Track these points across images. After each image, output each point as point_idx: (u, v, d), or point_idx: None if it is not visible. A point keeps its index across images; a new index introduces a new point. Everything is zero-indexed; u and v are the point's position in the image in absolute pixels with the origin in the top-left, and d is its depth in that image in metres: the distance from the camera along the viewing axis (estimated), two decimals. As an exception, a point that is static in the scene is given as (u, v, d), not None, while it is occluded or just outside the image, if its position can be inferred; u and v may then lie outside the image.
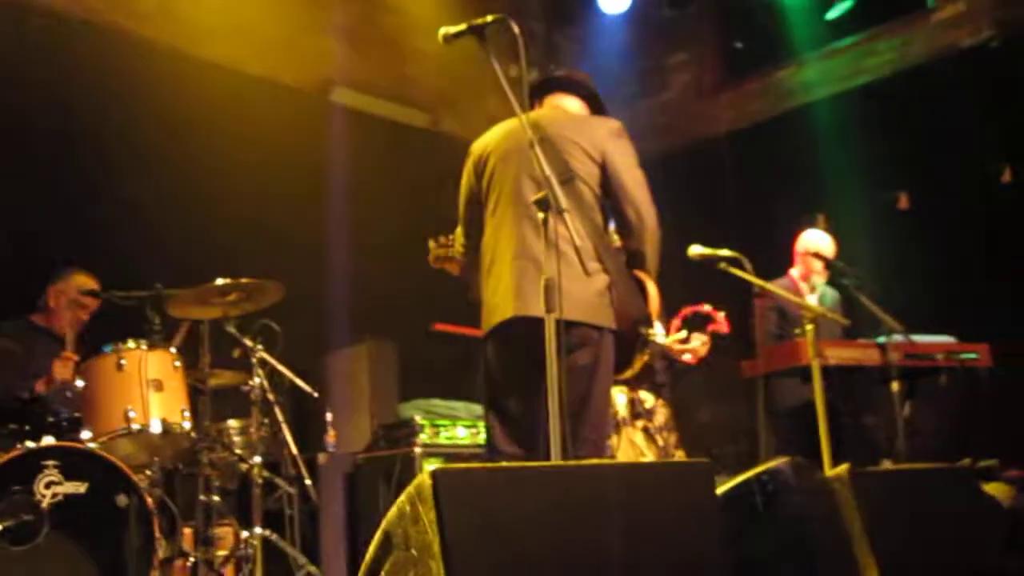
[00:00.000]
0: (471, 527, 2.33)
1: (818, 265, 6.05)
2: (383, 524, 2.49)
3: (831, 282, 6.16)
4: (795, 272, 6.14)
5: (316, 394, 5.10)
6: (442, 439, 5.98)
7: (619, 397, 4.71)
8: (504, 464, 2.96)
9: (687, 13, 8.25)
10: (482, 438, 6.10)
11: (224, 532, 4.95)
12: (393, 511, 2.45)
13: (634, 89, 8.55)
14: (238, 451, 4.92)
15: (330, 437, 5.71)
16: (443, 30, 3.68)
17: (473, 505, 2.36)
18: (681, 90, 8.55)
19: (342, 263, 6.60)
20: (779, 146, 7.60)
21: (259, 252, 6.07)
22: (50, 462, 4.00)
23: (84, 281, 5.34)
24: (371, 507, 5.98)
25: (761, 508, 2.96)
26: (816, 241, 6.13)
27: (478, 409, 6.22)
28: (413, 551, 2.38)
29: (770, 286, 5.14)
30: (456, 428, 6.08)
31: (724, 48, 8.36)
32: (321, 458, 5.85)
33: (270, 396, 4.90)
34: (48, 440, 4.16)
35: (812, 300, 5.89)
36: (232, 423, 5.03)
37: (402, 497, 2.43)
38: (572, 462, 2.84)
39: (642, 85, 8.62)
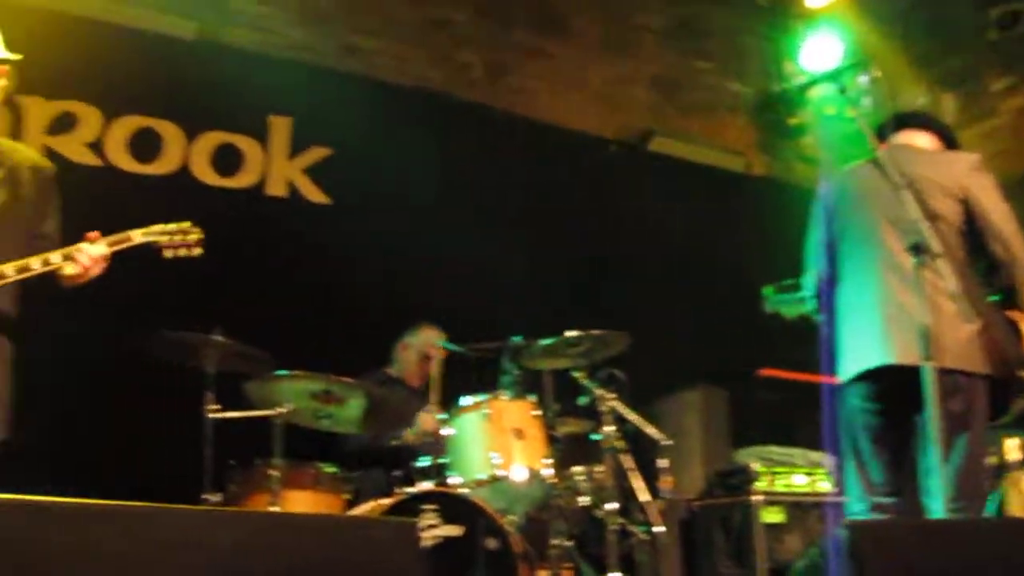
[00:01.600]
0: (891, 581, 2.34)
1: None
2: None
3: None
4: None
5: (670, 441, 5.15)
6: (779, 486, 5.89)
7: (1008, 442, 4.50)
8: (923, 519, 2.91)
9: (1016, 33, 7.79)
10: (820, 486, 6.00)
11: (570, 576, 5.10)
12: (802, 563, 2.50)
13: (957, 118, 8.16)
14: (588, 498, 5.03)
15: (665, 483, 5.70)
16: (801, 77, 3.70)
17: (891, 558, 2.38)
18: (1013, 116, 8.08)
19: (670, 310, 6.69)
20: None
21: (587, 302, 6.33)
22: (429, 506, 4.30)
23: (433, 335, 5.71)
24: (707, 554, 5.98)
25: None
26: None
27: (815, 456, 6.10)
28: (828, 603, 2.41)
29: None
30: (793, 476, 5.98)
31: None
32: (657, 504, 5.87)
33: (618, 444, 4.98)
34: (426, 485, 4.49)
35: None
36: (577, 469, 5.13)
37: (813, 549, 2.47)
38: (991, 517, 2.76)
39: (966, 113, 8.21)
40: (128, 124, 5.78)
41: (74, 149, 5.46)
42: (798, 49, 7.03)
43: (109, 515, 1.88)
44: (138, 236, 3.42)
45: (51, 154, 5.16)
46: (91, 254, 3.34)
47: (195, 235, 3.53)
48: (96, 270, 3.36)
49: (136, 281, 5.29)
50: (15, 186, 3.39)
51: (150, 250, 3.60)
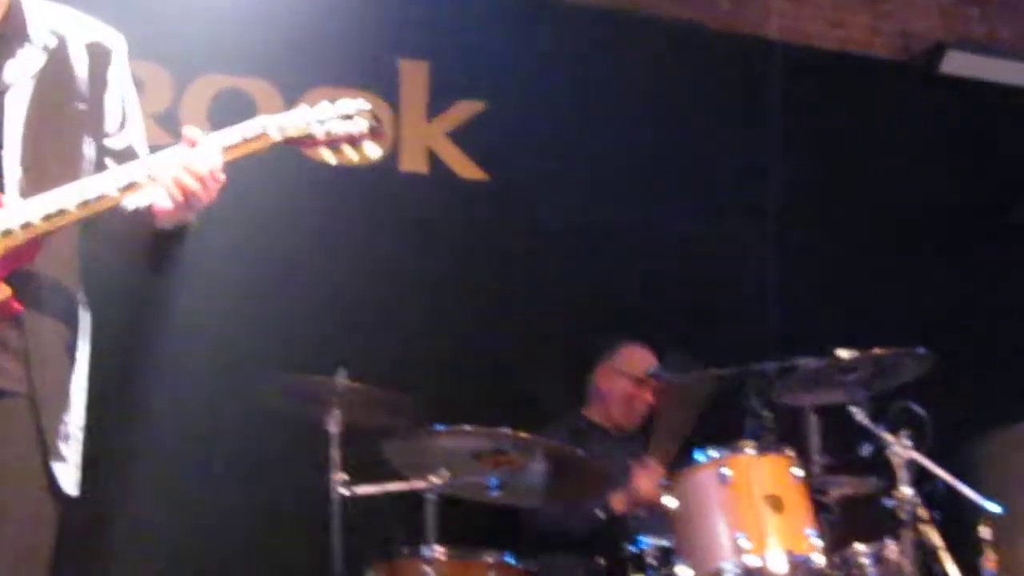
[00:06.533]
0: None
1: None
2: None
3: None
4: None
5: (996, 509, 4.98)
6: None
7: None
8: None
9: None
10: None
11: None
12: None
13: None
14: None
15: (988, 563, 5.55)
16: None
17: None
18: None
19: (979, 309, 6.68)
20: None
21: (865, 306, 6.33)
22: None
23: (644, 357, 5.69)
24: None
25: None
26: None
27: None
28: None
29: None
30: None
31: None
32: (980, 596, 5.72)
33: (920, 511, 4.83)
34: (638, 582, 4.47)
35: None
36: (860, 549, 4.95)
37: None
38: None
39: None
40: (206, 87, 5.97)
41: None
42: None
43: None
44: (276, 132, 2.91)
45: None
46: (179, 172, 2.81)
47: (367, 117, 2.97)
48: (202, 194, 2.83)
49: (241, 312, 5.72)
50: (64, 77, 3.05)
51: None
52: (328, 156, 3.00)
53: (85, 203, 2.83)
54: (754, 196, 6.49)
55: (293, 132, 2.93)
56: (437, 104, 6.31)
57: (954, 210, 6.99)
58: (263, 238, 5.82)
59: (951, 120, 7.14)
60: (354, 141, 2.96)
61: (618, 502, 5.22)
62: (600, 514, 5.18)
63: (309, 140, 2.96)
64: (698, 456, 4.78)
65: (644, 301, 6.24)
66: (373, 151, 3.00)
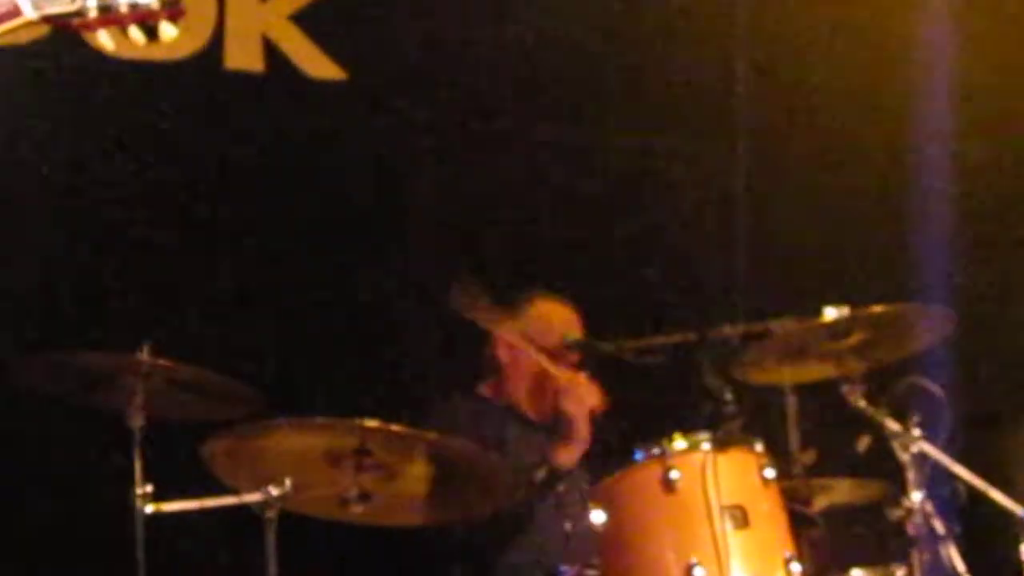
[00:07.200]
0: None
1: None
2: None
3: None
4: None
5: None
6: None
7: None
8: None
9: None
10: None
11: None
12: None
13: None
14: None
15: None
16: None
17: None
18: None
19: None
20: None
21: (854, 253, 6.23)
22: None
23: (560, 314, 5.42)
24: None
25: None
26: None
27: None
28: None
29: None
30: None
31: None
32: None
33: (936, 523, 4.71)
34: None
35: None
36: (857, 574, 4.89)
37: None
38: None
39: None
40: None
41: None
42: None
43: None
44: (31, 8, 2.81)
45: None
46: None
47: None
48: None
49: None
50: None
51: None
52: (107, 41, 2.83)
53: None
54: (719, 109, 6.35)
55: (56, 8, 2.80)
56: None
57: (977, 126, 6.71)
58: (27, 162, 5.54)
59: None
60: (144, 20, 2.82)
61: (563, 453, 4.96)
62: (540, 475, 4.93)
63: (80, 19, 2.82)
64: (636, 454, 4.50)
65: (562, 242, 6.08)
66: (169, 32, 2.81)
